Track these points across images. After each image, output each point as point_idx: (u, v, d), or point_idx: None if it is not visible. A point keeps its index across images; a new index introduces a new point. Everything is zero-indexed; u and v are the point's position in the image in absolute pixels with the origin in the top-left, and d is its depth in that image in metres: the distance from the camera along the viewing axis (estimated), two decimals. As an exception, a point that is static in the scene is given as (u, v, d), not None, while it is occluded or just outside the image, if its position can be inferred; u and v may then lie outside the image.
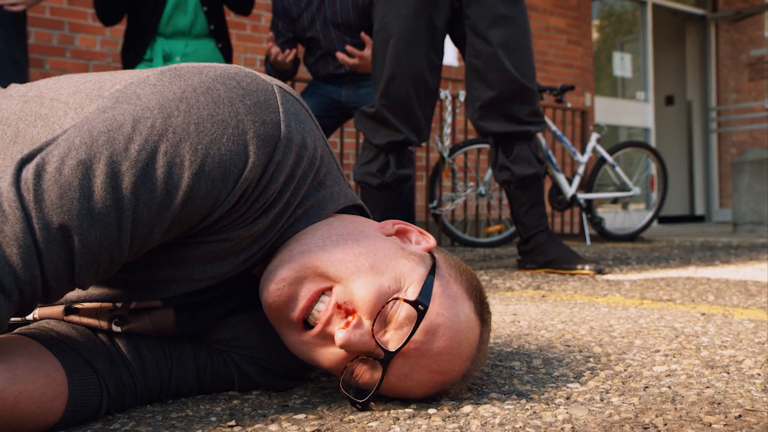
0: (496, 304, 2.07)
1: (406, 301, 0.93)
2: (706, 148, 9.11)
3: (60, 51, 4.53)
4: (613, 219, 5.75)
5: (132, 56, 3.25)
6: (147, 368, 1.03)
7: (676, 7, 8.84)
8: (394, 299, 0.94)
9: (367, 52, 3.31)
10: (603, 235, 5.18)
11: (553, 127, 4.74)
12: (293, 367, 1.11)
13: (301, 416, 0.97)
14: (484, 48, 2.75)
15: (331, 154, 1.05)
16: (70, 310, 1.01)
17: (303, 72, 4.66)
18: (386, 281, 0.94)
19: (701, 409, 0.99)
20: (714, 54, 9.07)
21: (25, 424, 0.87)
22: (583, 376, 1.19)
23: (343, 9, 3.47)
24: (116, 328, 1.02)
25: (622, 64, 8.30)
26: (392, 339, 0.94)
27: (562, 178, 4.73)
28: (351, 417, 0.96)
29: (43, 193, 0.82)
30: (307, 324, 0.96)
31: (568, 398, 1.05)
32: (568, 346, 1.44)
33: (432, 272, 0.97)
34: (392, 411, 0.98)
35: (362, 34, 3.44)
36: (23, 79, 3.01)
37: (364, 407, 0.98)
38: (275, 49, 3.44)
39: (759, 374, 1.18)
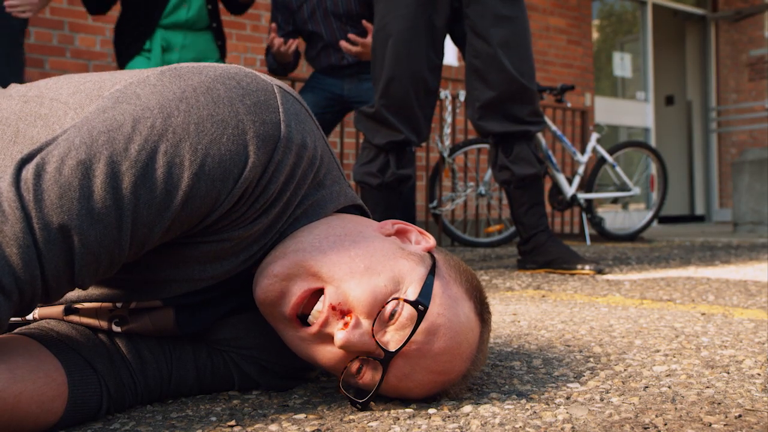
0: (496, 304, 2.07)
1: (405, 301, 0.93)
2: (706, 148, 9.11)
3: (60, 51, 4.53)
4: (613, 219, 5.76)
5: (128, 46, 3.23)
6: (147, 368, 1.03)
7: (676, 7, 8.84)
8: (394, 299, 0.93)
9: (370, 39, 3.29)
10: (603, 235, 5.18)
11: (553, 127, 4.74)
12: (293, 367, 1.11)
13: (301, 416, 0.97)
14: (484, 48, 2.75)
15: (331, 154, 1.05)
16: (70, 310, 1.01)
17: (303, 72, 4.67)
18: (382, 281, 0.94)
19: (701, 409, 0.99)
20: (714, 54, 9.07)
21: (25, 424, 0.87)
22: (583, 376, 1.19)
23: None
24: (116, 328, 1.02)
25: (622, 64, 8.30)
26: (392, 339, 0.93)
27: (562, 178, 4.73)
28: (351, 417, 0.96)
29: (43, 193, 0.82)
30: (303, 320, 0.96)
31: (568, 398, 1.05)
32: (568, 346, 1.44)
33: (432, 272, 0.97)
34: (392, 411, 0.98)
35: (363, 22, 3.42)
36: (19, 76, 3.00)
37: (364, 407, 0.98)
38: (278, 40, 3.40)
39: (759, 374, 1.18)
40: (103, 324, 1.01)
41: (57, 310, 1.02)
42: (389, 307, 0.93)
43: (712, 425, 0.92)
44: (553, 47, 7.05)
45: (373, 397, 0.96)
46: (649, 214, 5.50)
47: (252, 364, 1.10)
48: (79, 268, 0.85)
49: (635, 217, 6.43)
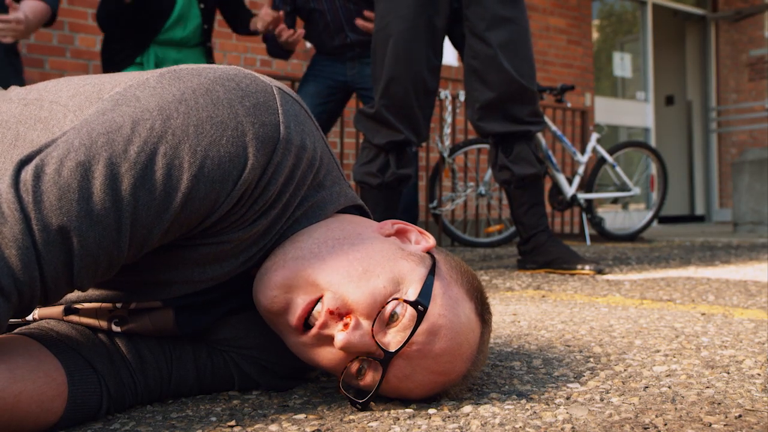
0: (496, 304, 2.07)
1: (405, 301, 0.93)
2: (706, 148, 9.11)
3: (60, 51, 4.53)
4: (613, 219, 5.76)
5: (120, 61, 3.24)
6: (147, 368, 1.03)
7: (676, 7, 8.84)
8: (393, 300, 0.94)
9: None
10: (603, 235, 5.18)
11: (553, 127, 4.74)
12: (293, 367, 1.11)
13: (301, 416, 0.97)
14: (482, 49, 2.75)
15: (331, 155, 1.05)
16: (69, 310, 1.01)
17: (301, 72, 4.66)
18: (382, 283, 0.94)
19: (701, 409, 0.99)
20: (714, 54, 9.07)
21: (25, 423, 0.87)
22: (583, 376, 1.19)
23: None
24: (116, 328, 1.02)
25: (622, 64, 8.30)
26: (393, 340, 0.94)
27: (562, 178, 4.73)
28: (351, 417, 0.97)
29: (42, 194, 0.82)
30: (306, 325, 0.96)
31: (568, 398, 1.05)
32: (568, 346, 1.44)
33: (432, 272, 0.97)
34: (392, 411, 0.98)
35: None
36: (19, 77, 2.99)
37: (364, 407, 0.98)
38: (287, 32, 3.35)
39: (759, 374, 1.18)
40: (103, 324, 1.01)
41: (57, 310, 1.02)
42: (389, 308, 0.93)
43: (712, 425, 0.92)
44: (553, 47, 7.05)
45: (373, 397, 0.96)
46: (649, 214, 5.50)
47: (252, 364, 1.10)
48: (77, 269, 0.85)
49: (635, 217, 6.43)
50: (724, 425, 0.91)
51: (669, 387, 1.11)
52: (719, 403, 1.01)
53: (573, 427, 0.91)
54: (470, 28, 2.77)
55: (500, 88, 2.76)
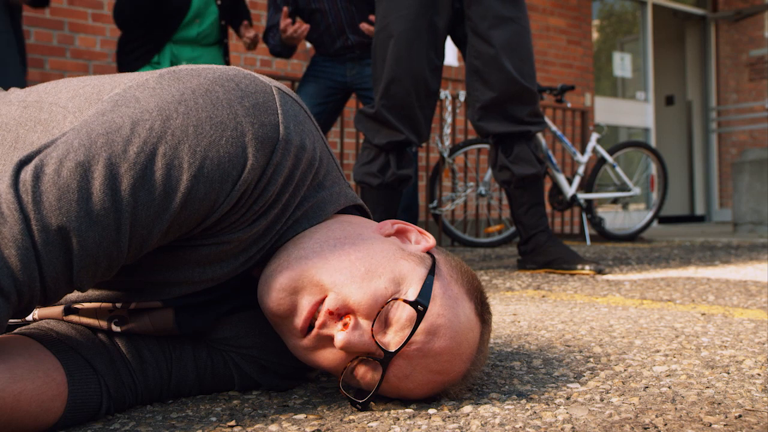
0: (496, 304, 2.07)
1: (405, 301, 0.93)
2: (706, 148, 9.11)
3: (60, 51, 4.53)
4: (613, 219, 5.76)
5: (136, 59, 3.24)
6: (147, 368, 1.03)
7: (676, 7, 8.84)
8: (393, 299, 0.94)
9: None
10: (603, 235, 5.18)
11: (553, 127, 4.75)
12: (293, 367, 1.11)
13: (301, 416, 0.97)
14: (484, 49, 2.75)
15: (331, 155, 1.05)
16: (69, 310, 1.01)
17: (301, 72, 4.66)
18: (383, 283, 0.94)
19: (701, 409, 0.99)
20: (714, 54, 9.07)
21: (25, 423, 0.87)
22: (583, 376, 1.19)
23: None
24: (116, 328, 1.02)
25: (622, 64, 8.29)
26: (392, 340, 0.94)
27: (562, 178, 4.73)
28: (351, 417, 0.97)
29: (42, 194, 0.82)
30: (310, 327, 0.96)
31: (568, 398, 1.05)
32: (568, 346, 1.44)
33: (432, 272, 0.97)
34: (392, 411, 0.98)
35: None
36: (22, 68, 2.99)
37: (364, 407, 0.98)
38: (291, 28, 3.35)
39: (759, 374, 1.18)
40: (103, 324, 1.01)
41: (56, 310, 1.02)
42: (389, 308, 0.94)
43: (712, 425, 0.92)
44: (553, 47, 7.05)
45: (373, 397, 0.96)
46: (649, 214, 5.50)
47: (252, 364, 1.10)
48: (77, 270, 0.85)
49: (635, 217, 6.43)
50: (724, 425, 0.91)
51: (669, 387, 1.11)
52: (719, 403, 1.01)
53: (573, 427, 0.91)
54: (473, 27, 2.77)
55: (501, 88, 2.76)
